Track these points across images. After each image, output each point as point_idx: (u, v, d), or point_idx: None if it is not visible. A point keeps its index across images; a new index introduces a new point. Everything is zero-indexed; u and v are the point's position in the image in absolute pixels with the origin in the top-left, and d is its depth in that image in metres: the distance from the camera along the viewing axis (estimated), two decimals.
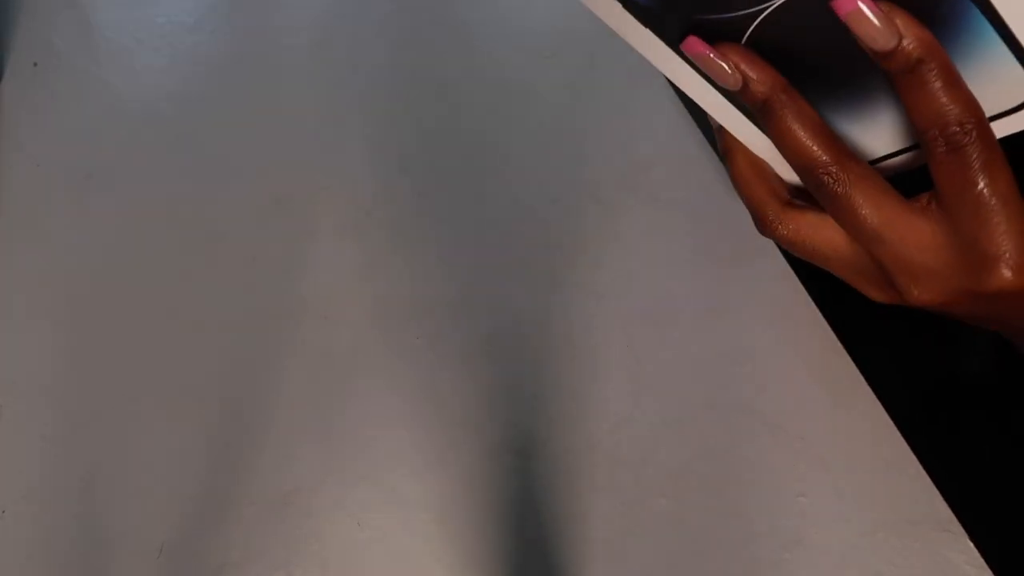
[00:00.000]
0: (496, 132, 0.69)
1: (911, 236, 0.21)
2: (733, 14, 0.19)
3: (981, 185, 0.20)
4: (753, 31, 0.20)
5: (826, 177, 0.21)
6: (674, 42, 0.20)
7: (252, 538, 0.45)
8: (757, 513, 0.47)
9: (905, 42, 0.19)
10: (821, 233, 0.24)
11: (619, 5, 0.20)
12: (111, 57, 0.74)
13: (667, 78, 0.22)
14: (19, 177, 0.63)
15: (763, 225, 0.23)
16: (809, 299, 0.57)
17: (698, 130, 0.69)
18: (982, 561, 0.45)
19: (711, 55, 0.20)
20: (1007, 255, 0.20)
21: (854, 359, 0.53)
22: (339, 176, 0.65)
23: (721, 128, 0.24)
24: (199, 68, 0.73)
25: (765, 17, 0.19)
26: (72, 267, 0.57)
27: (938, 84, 0.19)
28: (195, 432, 0.49)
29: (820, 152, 0.21)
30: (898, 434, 0.50)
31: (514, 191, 0.65)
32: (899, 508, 0.47)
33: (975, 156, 0.20)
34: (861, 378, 0.53)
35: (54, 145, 0.66)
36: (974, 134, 0.19)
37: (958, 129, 0.19)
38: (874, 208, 0.21)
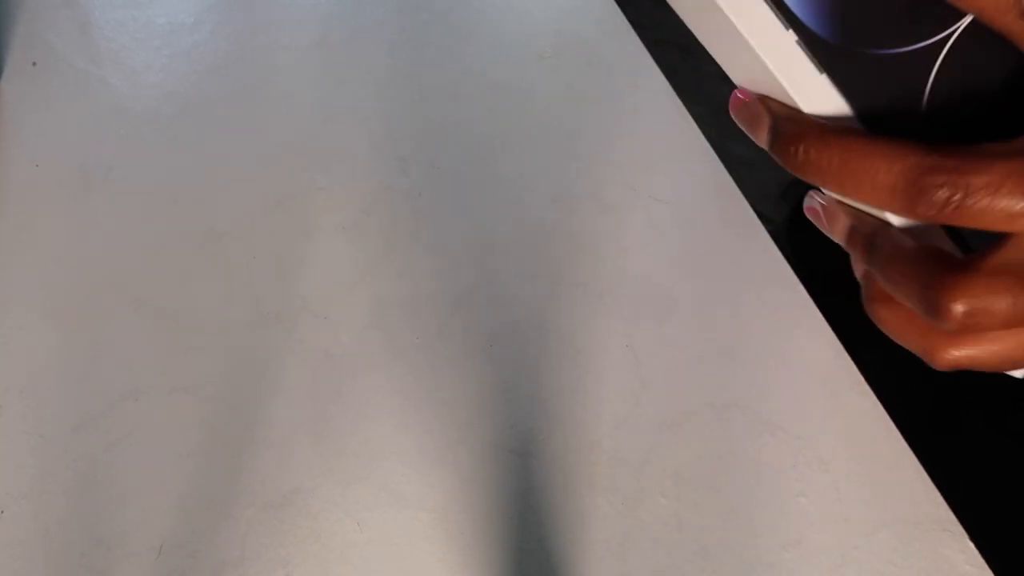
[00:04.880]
0: (496, 132, 0.69)
1: None
2: (913, 47, 0.16)
3: None
4: (941, 65, 0.16)
5: (939, 191, 0.13)
6: (839, 78, 0.17)
7: (252, 538, 0.45)
8: (757, 513, 0.47)
9: None
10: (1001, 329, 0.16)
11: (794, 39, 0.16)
12: (111, 57, 0.74)
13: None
14: (18, 177, 0.63)
15: (936, 362, 0.17)
16: (809, 299, 0.57)
17: (698, 130, 0.69)
18: (982, 561, 0.45)
19: (747, 100, 0.16)
20: None
21: (854, 359, 0.53)
22: (339, 176, 0.65)
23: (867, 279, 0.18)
24: (199, 68, 0.73)
25: (952, 45, 0.16)
26: (72, 267, 0.57)
27: None
28: (194, 432, 0.49)
29: (915, 161, 0.14)
30: (898, 434, 0.50)
31: (514, 191, 0.65)
32: (899, 508, 0.47)
33: None
34: (861, 378, 0.53)
35: (53, 145, 0.66)
36: None
37: None
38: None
